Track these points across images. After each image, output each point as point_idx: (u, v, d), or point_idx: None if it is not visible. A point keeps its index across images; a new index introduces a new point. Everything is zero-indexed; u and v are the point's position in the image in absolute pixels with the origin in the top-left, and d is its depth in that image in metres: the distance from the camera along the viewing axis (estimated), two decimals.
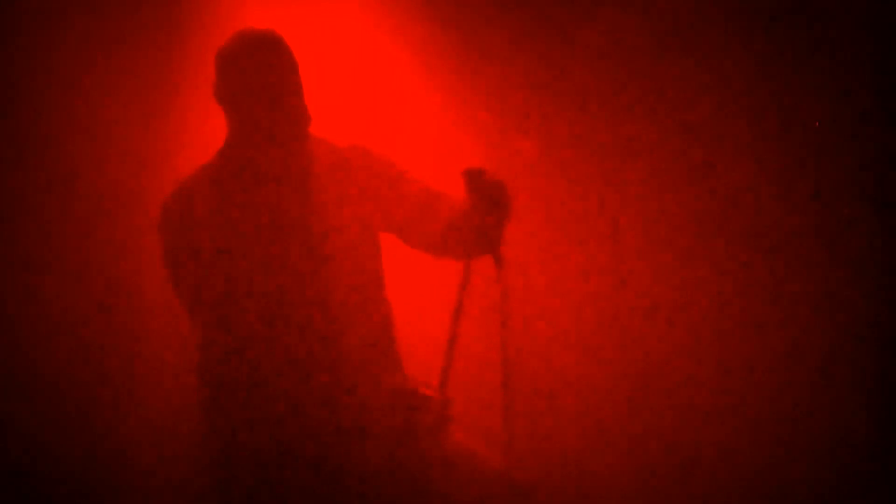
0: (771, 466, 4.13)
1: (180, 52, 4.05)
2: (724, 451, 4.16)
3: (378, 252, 3.16)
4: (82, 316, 4.11)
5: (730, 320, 4.19)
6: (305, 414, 3.02)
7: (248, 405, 3.02)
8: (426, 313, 3.45)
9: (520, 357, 4.14)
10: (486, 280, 3.01)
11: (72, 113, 4.10)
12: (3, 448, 4.04)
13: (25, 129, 4.10)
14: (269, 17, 3.91)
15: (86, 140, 4.12)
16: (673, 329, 4.21)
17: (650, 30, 4.21)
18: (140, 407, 4.09)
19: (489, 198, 2.92)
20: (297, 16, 4.03)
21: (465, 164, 2.96)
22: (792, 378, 4.14)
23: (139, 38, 4.10)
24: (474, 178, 2.93)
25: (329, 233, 3.07)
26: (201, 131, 3.75)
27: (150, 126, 4.09)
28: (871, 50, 4.10)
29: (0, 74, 4.09)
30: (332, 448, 3.03)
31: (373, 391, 3.07)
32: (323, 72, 3.92)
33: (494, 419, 3.01)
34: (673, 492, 4.15)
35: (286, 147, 3.07)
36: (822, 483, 4.06)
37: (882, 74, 4.08)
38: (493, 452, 3.08)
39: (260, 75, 3.02)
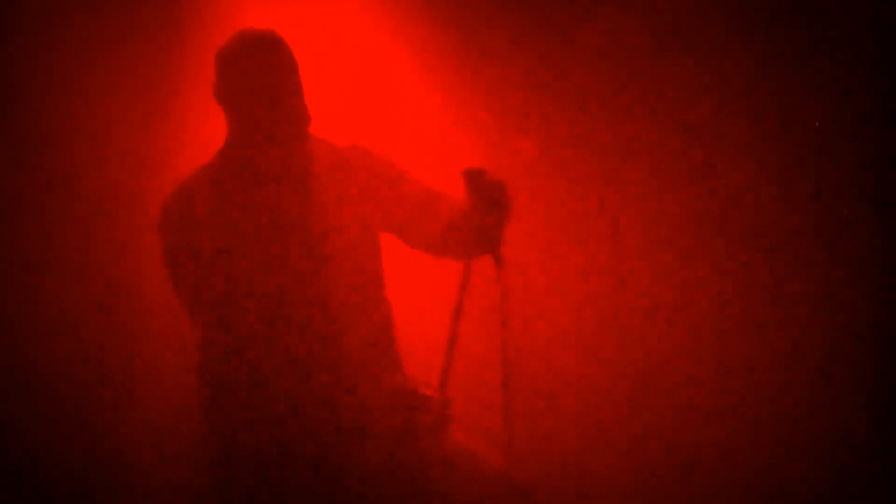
0: (771, 466, 4.13)
1: (180, 52, 4.05)
2: (724, 451, 4.16)
3: (378, 252, 3.16)
4: (82, 316, 4.11)
5: (730, 320, 4.19)
6: (305, 414, 3.02)
7: (248, 405, 3.02)
8: (426, 313, 3.45)
9: (520, 357, 4.14)
10: (487, 280, 3.01)
11: (72, 113, 4.10)
12: (3, 448, 4.04)
13: (25, 129, 4.10)
14: (269, 17, 3.91)
15: (86, 140, 4.12)
16: (673, 329, 4.21)
17: (650, 30, 4.21)
18: (140, 407, 4.09)
19: (489, 198, 2.92)
20: (297, 16, 4.03)
21: (465, 164, 2.96)
22: (792, 378, 4.14)
23: (139, 38, 4.10)
24: (474, 178, 2.93)
25: (329, 233, 3.07)
26: (201, 131, 3.75)
27: (150, 126, 4.09)
28: (871, 50, 4.10)
29: (0, 74, 4.09)
30: (332, 448, 3.03)
31: (373, 391, 3.07)
32: (323, 72, 3.92)
33: (494, 419, 3.01)
34: (673, 492, 4.15)
35: (286, 147, 3.07)
36: (822, 483, 4.06)
37: (882, 74, 4.08)
38: (493, 452, 3.07)
39: (260, 75, 3.02)
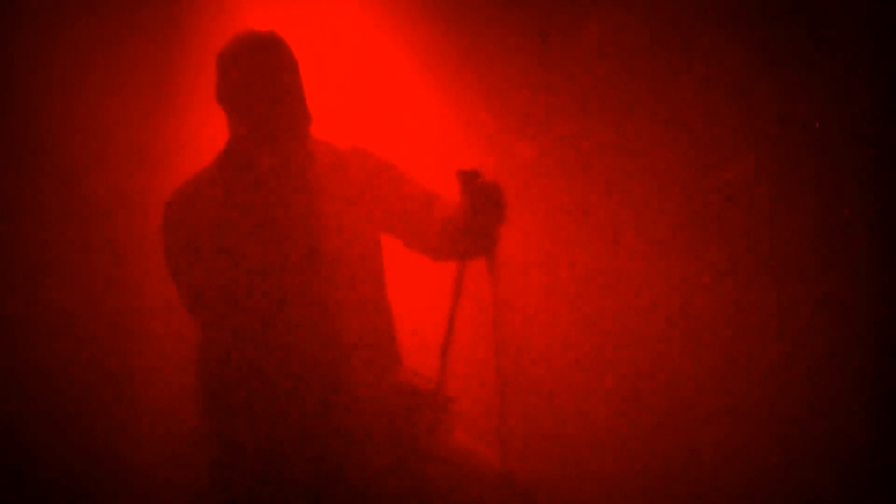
0: (771, 467, 4.13)
1: (180, 52, 4.05)
2: (724, 451, 4.16)
3: (379, 253, 3.17)
4: (82, 316, 4.11)
5: (729, 320, 4.19)
6: (305, 413, 3.02)
7: (247, 405, 3.02)
8: (426, 313, 3.45)
9: (520, 357, 4.16)
10: (486, 281, 3.01)
11: (72, 113, 4.10)
12: (3, 448, 4.04)
13: (25, 129, 4.10)
14: (270, 17, 3.91)
15: (86, 140, 4.12)
16: (672, 329, 4.21)
17: (650, 30, 4.22)
18: (140, 407, 4.09)
19: (483, 199, 2.92)
20: (297, 16, 4.03)
21: (462, 165, 2.96)
22: (792, 378, 4.14)
23: (139, 38, 4.10)
24: (468, 179, 2.93)
25: (329, 233, 3.07)
26: (201, 131, 3.76)
27: (150, 126, 4.09)
28: (871, 50, 4.10)
29: (0, 74, 4.09)
30: (331, 448, 3.04)
31: (373, 391, 3.07)
32: (323, 72, 3.92)
33: (494, 419, 3.01)
34: (673, 492, 4.15)
35: (287, 147, 3.07)
36: (822, 483, 4.06)
37: (882, 74, 4.08)
38: (494, 452, 3.07)
39: (261, 76, 3.02)
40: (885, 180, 4.10)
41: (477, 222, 2.92)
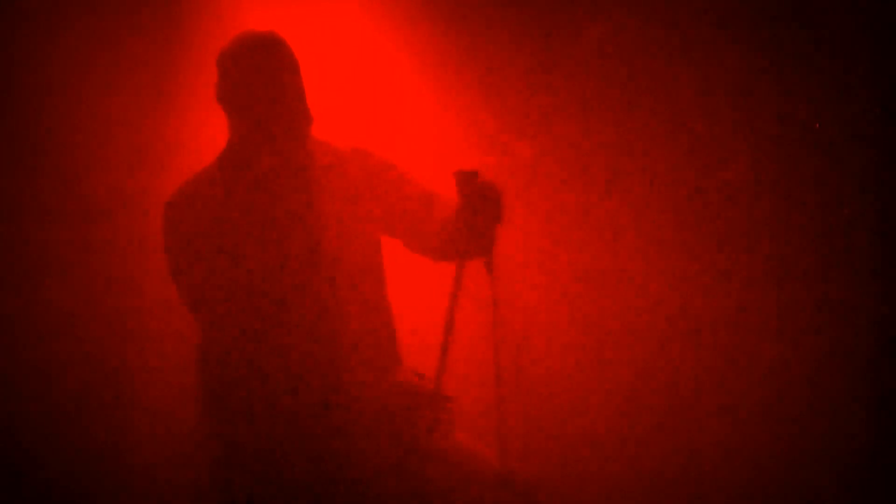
0: (771, 466, 4.13)
1: (180, 52, 4.05)
2: (724, 451, 4.16)
3: (379, 253, 3.17)
4: (82, 316, 4.11)
5: (729, 321, 4.19)
6: (305, 413, 3.02)
7: (247, 404, 3.02)
8: (427, 314, 3.44)
9: (520, 357, 4.16)
10: (485, 281, 3.01)
11: (72, 113, 4.10)
12: (3, 448, 4.04)
13: (25, 129, 4.10)
14: (270, 17, 3.91)
15: (86, 140, 4.12)
16: (673, 329, 4.21)
17: (650, 30, 4.21)
18: (140, 407, 4.09)
19: (481, 199, 2.91)
20: (297, 16, 4.03)
21: (461, 165, 2.95)
22: (792, 379, 4.14)
23: (139, 38, 4.10)
24: (466, 180, 2.92)
25: (330, 233, 3.07)
26: (201, 131, 3.76)
27: (150, 126, 4.09)
28: (871, 50, 4.10)
29: (0, 74, 4.09)
30: (331, 448, 3.04)
31: (373, 391, 3.07)
32: (323, 72, 3.92)
33: (494, 419, 3.01)
34: (673, 492, 4.15)
35: (287, 148, 3.07)
36: (822, 483, 4.06)
37: (882, 74, 4.08)
38: (494, 452, 3.07)
39: (261, 77, 3.02)
40: (885, 180, 4.10)
41: (474, 223, 2.92)
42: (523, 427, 4.09)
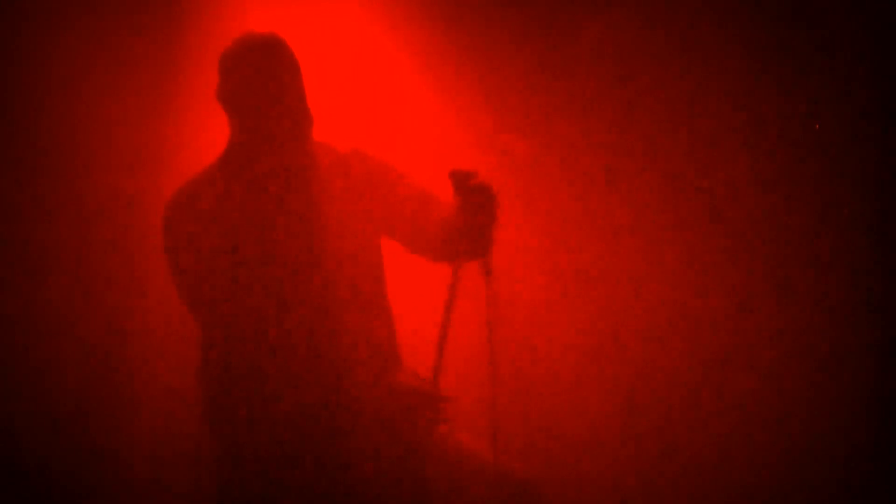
0: (771, 466, 4.13)
1: (180, 52, 4.05)
2: (724, 451, 4.16)
3: (378, 254, 3.17)
4: (82, 316, 4.10)
5: (729, 320, 4.19)
6: (306, 413, 3.02)
7: (248, 405, 3.02)
8: (427, 314, 3.44)
9: (519, 357, 4.15)
10: (484, 281, 3.00)
11: (72, 113, 4.10)
12: (3, 448, 4.04)
13: (25, 129, 4.10)
14: (270, 17, 3.91)
15: (86, 140, 4.11)
16: (673, 329, 4.21)
17: (650, 30, 4.21)
18: (140, 407, 4.09)
19: (475, 200, 2.90)
20: (296, 16, 4.03)
21: (459, 165, 2.95)
22: (792, 378, 4.14)
23: (139, 38, 4.10)
24: (461, 180, 2.92)
25: (330, 234, 3.07)
26: (201, 131, 3.75)
27: (150, 126, 4.09)
28: (871, 50, 4.10)
29: (0, 74, 4.09)
30: (332, 448, 3.04)
31: (372, 391, 3.07)
32: (322, 72, 3.92)
33: (499, 420, 3.01)
34: (673, 492, 4.15)
35: (287, 149, 3.07)
36: (822, 483, 4.06)
37: (882, 74, 4.08)
38: (499, 452, 3.07)
39: (262, 78, 3.03)
40: (885, 180, 4.10)
41: (471, 223, 2.92)
42: (523, 427, 4.09)
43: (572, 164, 4.25)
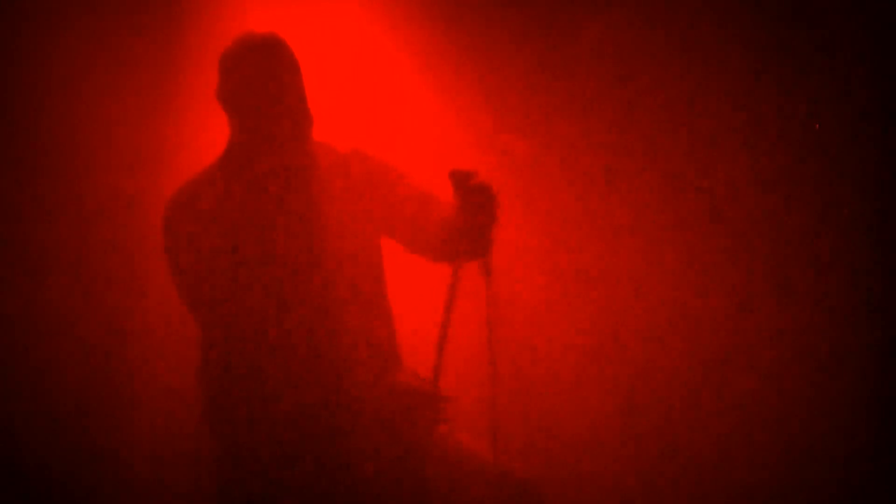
0: (771, 466, 4.13)
1: (180, 52, 4.05)
2: (724, 451, 4.16)
3: (378, 254, 3.17)
4: (82, 316, 4.10)
5: (729, 320, 4.19)
6: (306, 414, 3.02)
7: (248, 405, 3.02)
8: (427, 315, 3.44)
9: (519, 357, 4.15)
10: (484, 281, 3.00)
11: (72, 113, 4.10)
12: (3, 448, 4.04)
13: (25, 129, 4.10)
14: (270, 17, 3.91)
15: (85, 140, 4.11)
16: (673, 329, 4.21)
17: (650, 30, 4.21)
18: (140, 407, 4.09)
19: (474, 200, 2.90)
20: (296, 16, 4.03)
21: (459, 165, 2.95)
22: (792, 379, 4.14)
23: (139, 38, 4.10)
24: (460, 180, 2.92)
25: (330, 234, 3.07)
26: (201, 131, 3.75)
27: (150, 126, 4.09)
28: (871, 50, 4.10)
29: (0, 74, 4.09)
30: (331, 448, 3.04)
31: (372, 391, 3.07)
32: (323, 72, 3.92)
33: (499, 421, 3.01)
34: (672, 492, 4.15)
35: (287, 149, 3.07)
36: (823, 483, 4.06)
37: (882, 74, 4.08)
38: (498, 453, 3.07)
39: (262, 78, 3.03)
40: (885, 180, 4.10)
41: (470, 224, 2.91)
42: (523, 427, 4.09)
43: (572, 164, 4.25)
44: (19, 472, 4.03)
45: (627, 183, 4.24)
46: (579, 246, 4.24)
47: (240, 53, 3.06)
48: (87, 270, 4.11)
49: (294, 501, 3.03)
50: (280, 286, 3.03)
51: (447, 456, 3.07)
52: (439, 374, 3.00)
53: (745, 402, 4.17)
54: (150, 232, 3.33)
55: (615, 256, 4.24)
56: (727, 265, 4.20)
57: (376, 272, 3.16)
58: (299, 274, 3.05)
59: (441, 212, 3.04)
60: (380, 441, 3.04)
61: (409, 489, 3.04)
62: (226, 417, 3.05)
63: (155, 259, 3.24)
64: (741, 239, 4.20)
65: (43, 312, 4.09)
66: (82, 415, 4.08)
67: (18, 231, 4.09)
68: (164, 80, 4.07)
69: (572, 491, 4.08)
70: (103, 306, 4.11)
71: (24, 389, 4.06)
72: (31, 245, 4.09)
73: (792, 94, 4.15)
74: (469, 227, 2.92)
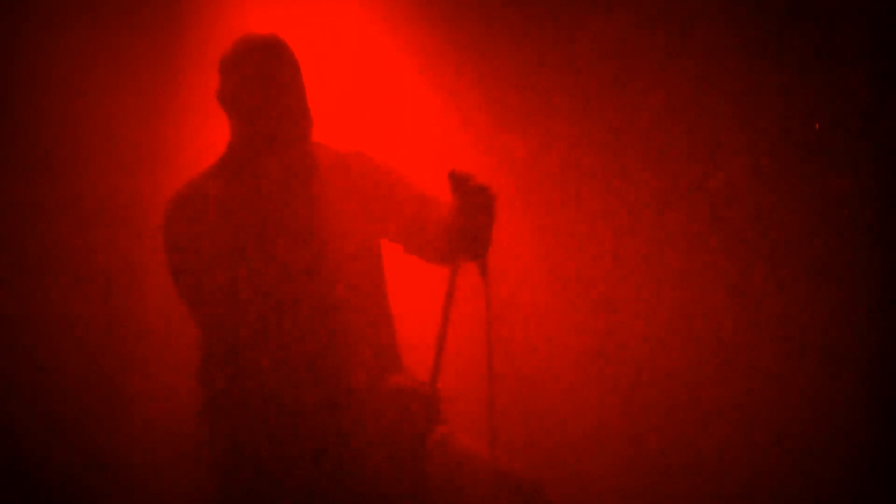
0: (771, 466, 4.13)
1: (180, 52, 4.05)
2: (725, 451, 4.15)
3: (379, 255, 3.17)
4: (82, 316, 4.10)
5: (729, 320, 4.19)
6: (306, 415, 3.02)
7: (248, 406, 3.02)
8: (428, 315, 3.44)
9: (519, 358, 4.15)
10: (484, 282, 3.00)
11: (72, 113, 4.10)
12: (3, 448, 4.04)
13: (25, 129, 4.10)
14: (270, 18, 3.91)
15: (86, 140, 4.11)
16: (673, 329, 4.21)
17: (650, 30, 4.21)
18: (140, 408, 4.09)
19: (473, 202, 2.90)
20: (296, 16, 4.03)
21: (457, 166, 2.94)
22: (792, 378, 4.14)
23: (139, 38, 4.10)
24: (459, 182, 2.91)
25: (330, 236, 3.07)
26: (201, 132, 3.75)
27: (150, 126, 4.09)
28: (871, 50, 4.09)
29: (0, 74, 4.09)
30: (333, 449, 3.04)
31: (374, 392, 3.07)
32: (323, 72, 3.92)
33: (491, 419, 3.01)
34: (672, 492, 4.15)
35: (288, 150, 3.07)
36: (823, 483, 4.06)
37: (882, 74, 4.08)
38: (497, 453, 3.07)
39: (262, 79, 3.03)
40: (885, 180, 4.09)
41: (468, 225, 2.91)
42: (523, 427, 4.09)
43: (572, 164, 4.25)
44: (19, 472, 4.03)
45: (627, 183, 4.23)
46: (579, 246, 4.24)
47: (240, 54, 3.06)
48: (87, 270, 4.11)
49: (294, 501, 3.03)
50: (280, 287, 3.03)
51: (447, 456, 3.07)
52: (438, 374, 3.00)
53: (745, 402, 4.16)
54: (150, 232, 3.33)
55: (615, 256, 4.24)
56: (727, 265, 4.20)
57: (376, 273, 3.16)
58: (299, 274, 3.05)
59: (440, 213, 3.04)
60: (379, 442, 3.04)
61: (409, 490, 3.04)
62: (226, 417, 3.05)
63: (155, 259, 3.24)
64: (741, 239, 4.19)
65: (43, 312, 4.09)
66: (82, 415, 4.08)
67: (18, 231, 4.09)
68: (164, 80, 4.07)
69: (572, 491, 4.07)
70: (103, 306, 4.11)
71: (24, 389, 4.06)
72: (31, 245, 4.09)
73: (792, 94, 4.15)
74: (468, 228, 2.91)
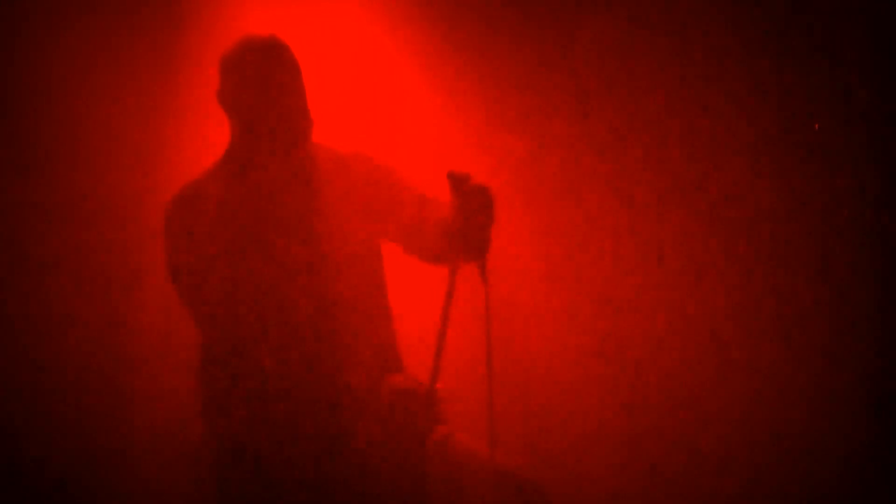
0: (771, 466, 4.13)
1: (180, 52, 4.05)
2: (724, 451, 4.16)
3: (379, 254, 3.17)
4: (82, 316, 4.10)
5: (729, 321, 4.19)
6: (305, 415, 3.02)
7: (248, 406, 3.02)
8: (428, 316, 3.45)
9: (518, 358, 4.15)
10: (484, 282, 3.00)
11: (72, 113, 4.10)
12: (3, 448, 4.04)
13: (25, 129, 4.10)
14: (270, 18, 3.91)
15: (86, 140, 4.12)
16: (672, 329, 4.21)
17: (650, 30, 4.21)
18: (140, 408, 4.09)
19: (472, 202, 2.90)
20: (296, 17, 4.03)
21: (455, 167, 2.94)
22: (792, 378, 4.14)
23: (139, 38, 4.10)
24: (458, 183, 2.91)
25: (331, 236, 3.07)
26: (201, 132, 3.76)
27: (150, 126, 4.09)
28: (871, 50, 4.10)
29: (0, 74, 4.09)
30: (332, 448, 3.04)
31: (373, 392, 3.07)
32: (323, 73, 3.92)
33: (491, 420, 3.01)
34: (672, 492, 4.15)
35: (289, 151, 3.07)
36: (823, 483, 4.06)
37: (882, 74, 4.08)
38: (497, 453, 3.07)
39: (263, 80, 3.03)
40: (885, 180, 4.10)
41: (467, 225, 2.91)
42: (523, 427, 4.09)
43: (571, 164, 4.25)
44: (19, 472, 4.04)
45: (627, 183, 4.24)
46: (578, 247, 4.24)
47: (240, 55, 3.06)
48: (87, 270, 4.11)
49: (294, 501, 3.03)
50: (280, 287, 3.03)
51: (447, 456, 3.07)
52: (438, 374, 3.00)
53: (745, 402, 4.17)
54: (150, 232, 3.33)
55: (615, 256, 4.24)
56: (727, 265, 4.20)
57: (376, 273, 3.16)
58: (299, 275, 3.05)
59: (440, 213, 3.04)
60: (379, 441, 3.04)
61: (409, 490, 3.04)
62: (226, 417, 3.05)
63: (155, 259, 3.24)
64: (741, 239, 4.19)
65: (43, 312, 4.09)
66: (82, 415, 4.08)
67: (18, 231, 4.09)
68: (164, 80, 4.07)
69: (572, 491, 4.07)
70: (103, 306, 4.11)
71: (24, 389, 4.06)
72: (31, 245, 4.09)
73: (792, 95, 4.15)
74: (467, 229, 2.91)
